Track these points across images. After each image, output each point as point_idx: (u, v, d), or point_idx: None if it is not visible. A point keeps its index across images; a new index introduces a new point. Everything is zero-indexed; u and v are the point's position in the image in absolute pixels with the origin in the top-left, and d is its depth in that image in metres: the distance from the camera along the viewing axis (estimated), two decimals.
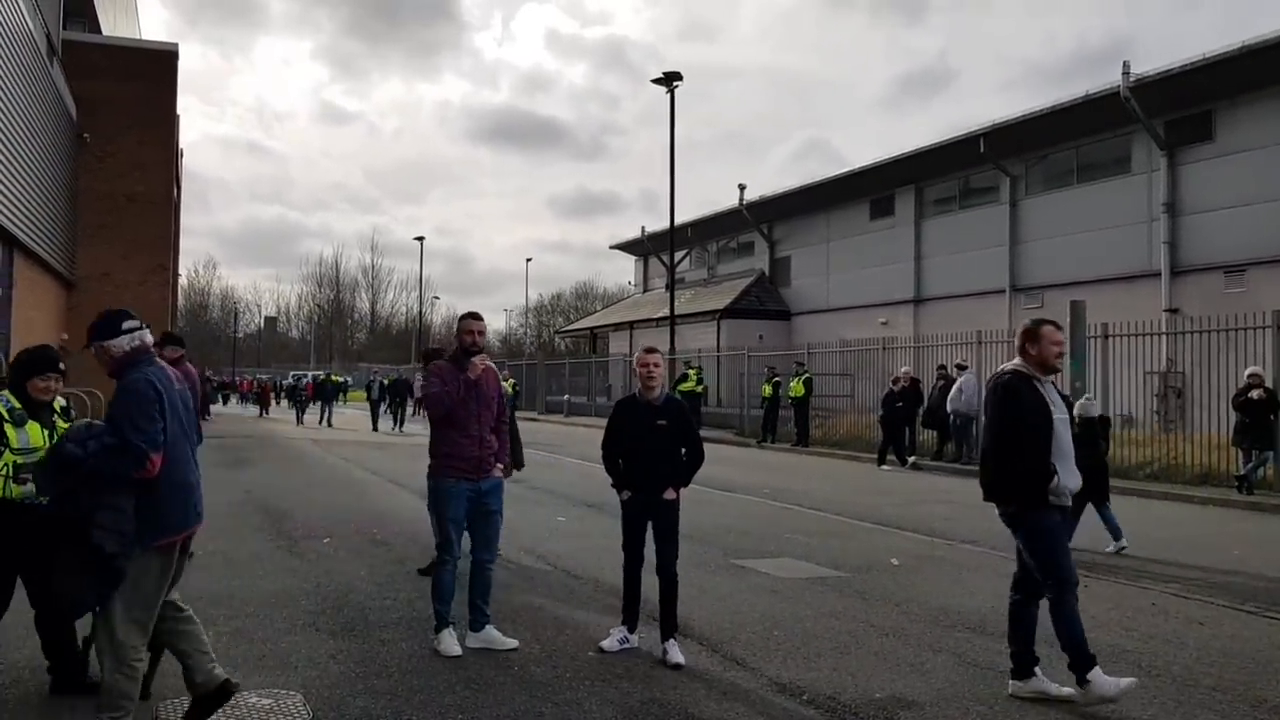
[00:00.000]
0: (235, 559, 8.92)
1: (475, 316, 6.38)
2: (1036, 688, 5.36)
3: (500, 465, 6.36)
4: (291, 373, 71.94)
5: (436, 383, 6.15)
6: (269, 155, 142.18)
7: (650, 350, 6.41)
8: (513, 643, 6.14)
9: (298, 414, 36.89)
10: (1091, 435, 9.97)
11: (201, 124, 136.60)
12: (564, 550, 9.65)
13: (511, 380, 36.28)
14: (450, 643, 5.95)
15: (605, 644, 6.14)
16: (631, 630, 6.20)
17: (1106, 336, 17.81)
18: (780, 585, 8.30)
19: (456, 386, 6.12)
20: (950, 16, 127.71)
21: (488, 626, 6.20)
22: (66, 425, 5.35)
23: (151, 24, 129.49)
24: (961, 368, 20.59)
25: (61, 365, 5.34)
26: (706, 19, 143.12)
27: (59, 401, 5.35)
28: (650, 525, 6.19)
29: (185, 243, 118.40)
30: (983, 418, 5.88)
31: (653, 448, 6.17)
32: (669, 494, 6.14)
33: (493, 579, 6.34)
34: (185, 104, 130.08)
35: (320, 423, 33.97)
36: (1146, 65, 23.98)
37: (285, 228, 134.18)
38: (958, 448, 20.51)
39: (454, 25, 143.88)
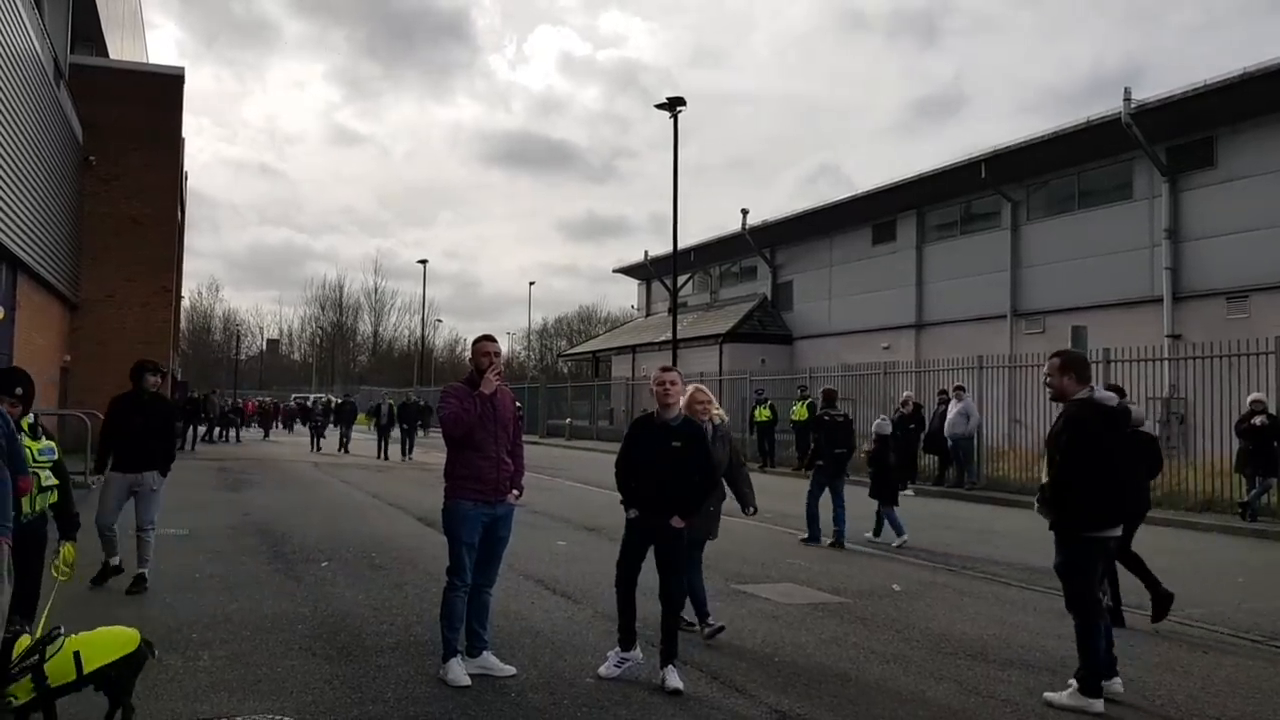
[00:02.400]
0: (232, 582, 8.87)
1: (490, 339, 6.36)
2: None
3: (515, 491, 6.29)
4: (294, 396, 71.95)
5: (454, 403, 6.09)
6: (279, 178, 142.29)
7: (667, 369, 6.35)
8: (510, 669, 6.08)
9: (314, 439, 33.75)
10: (884, 449, 13.29)
11: (213, 146, 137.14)
12: (563, 575, 9.59)
13: (518, 404, 35.31)
14: (459, 672, 5.86)
15: (603, 670, 6.08)
16: (626, 649, 6.12)
17: (1109, 362, 17.76)
18: (781, 611, 8.24)
19: (473, 405, 6.09)
20: (966, 40, 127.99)
21: (485, 652, 6.15)
22: (35, 443, 5.34)
23: (167, 45, 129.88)
24: (960, 390, 20.49)
25: (19, 390, 5.33)
26: (720, 43, 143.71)
27: (26, 420, 5.35)
28: (653, 550, 6.12)
29: (191, 265, 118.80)
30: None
31: (664, 469, 6.07)
32: (675, 522, 6.05)
33: (491, 604, 6.30)
34: (198, 126, 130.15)
35: (340, 449, 31.58)
36: (1162, 90, 23.91)
37: (292, 251, 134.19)
38: (959, 473, 20.45)
39: (468, 48, 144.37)
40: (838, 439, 12.85)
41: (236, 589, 8.55)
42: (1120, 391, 8.69)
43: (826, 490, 12.75)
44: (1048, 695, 5.78)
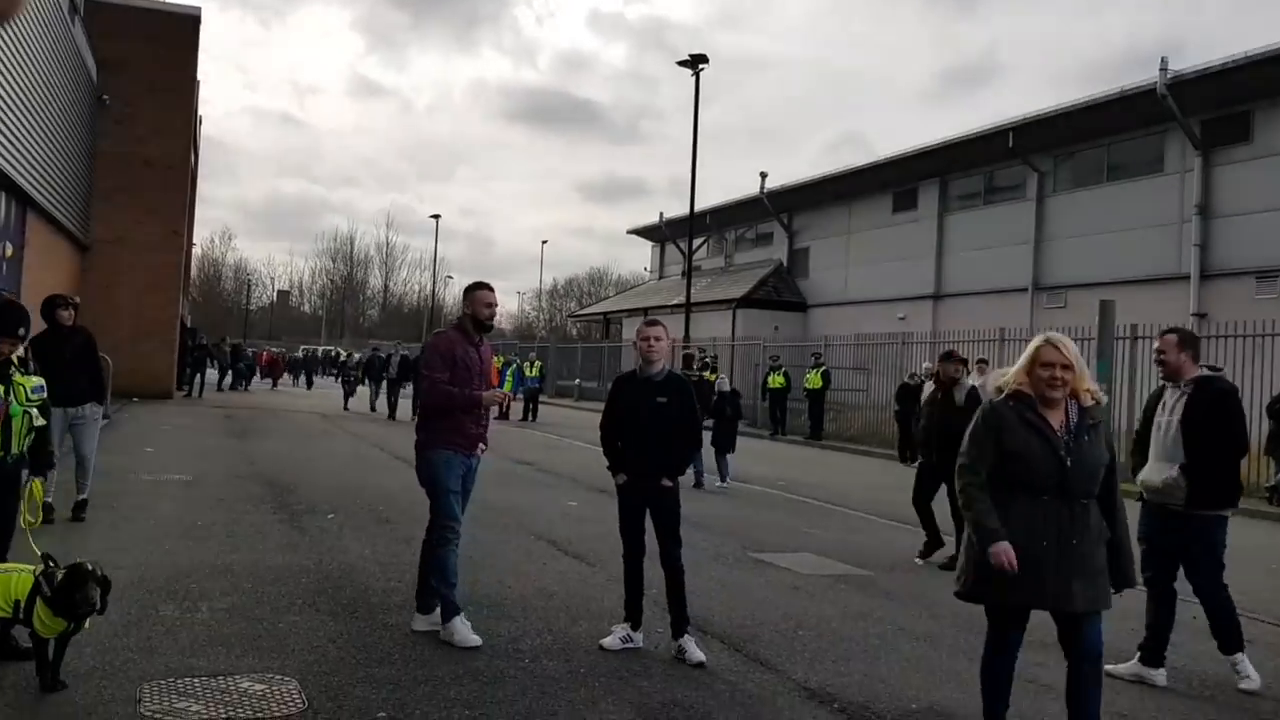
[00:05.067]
0: (236, 531, 8.60)
1: (490, 288, 6.08)
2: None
3: (483, 445, 6.12)
4: (302, 347, 71.72)
5: (441, 382, 5.82)
6: (300, 128, 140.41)
7: (652, 323, 5.99)
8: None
9: (345, 396, 29.80)
10: (721, 405, 14.85)
11: (235, 94, 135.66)
12: (576, 535, 9.31)
13: (539, 364, 33.84)
14: (465, 633, 5.60)
15: (606, 641, 5.77)
16: (635, 628, 5.82)
17: (1135, 338, 17.38)
18: (802, 582, 7.94)
19: (469, 364, 5.87)
20: (1003, 8, 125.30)
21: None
22: (27, 379, 5.03)
23: None
24: (983, 364, 20.05)
25: (21, 330, 5.03)
26: (752, 3, 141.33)
27: (17, 354, 5.04)
28: (649, 513, 5.84)
29: (207, 213, 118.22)
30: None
31: (651, 428, 5.77)
32: (666, 482, 5.79)
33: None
34: (220, 72, 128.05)
35: (372, 408, 27.83)
36: (1200, 62, 23.27)
37: (308, 202, 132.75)
38: None
39: (496, 1, 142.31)
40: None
41: (239, 539, 8.29)
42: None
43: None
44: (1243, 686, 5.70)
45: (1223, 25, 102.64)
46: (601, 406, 6.30)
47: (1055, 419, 4.21)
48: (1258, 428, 15.38)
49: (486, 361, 6.09)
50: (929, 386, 9.97)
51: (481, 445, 6.09)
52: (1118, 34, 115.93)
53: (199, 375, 30.80)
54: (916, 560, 9.20)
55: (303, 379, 49.24)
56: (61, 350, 8.54)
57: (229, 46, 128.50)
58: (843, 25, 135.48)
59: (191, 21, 28.64)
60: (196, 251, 65.60)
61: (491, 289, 6.07)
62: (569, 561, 8.19)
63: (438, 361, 5.86)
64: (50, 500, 8.29)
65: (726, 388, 15.62)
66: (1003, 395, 4.36)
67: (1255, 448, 15.43)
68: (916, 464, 9.76)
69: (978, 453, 4.26)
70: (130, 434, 16.83)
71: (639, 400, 5.86)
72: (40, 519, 5.23)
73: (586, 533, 9.47)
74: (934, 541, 9.36)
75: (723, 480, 14.27)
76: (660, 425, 5.78)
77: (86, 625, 4.57)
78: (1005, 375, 4.43)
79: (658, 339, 5.88)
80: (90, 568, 4.51)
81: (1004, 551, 4.00)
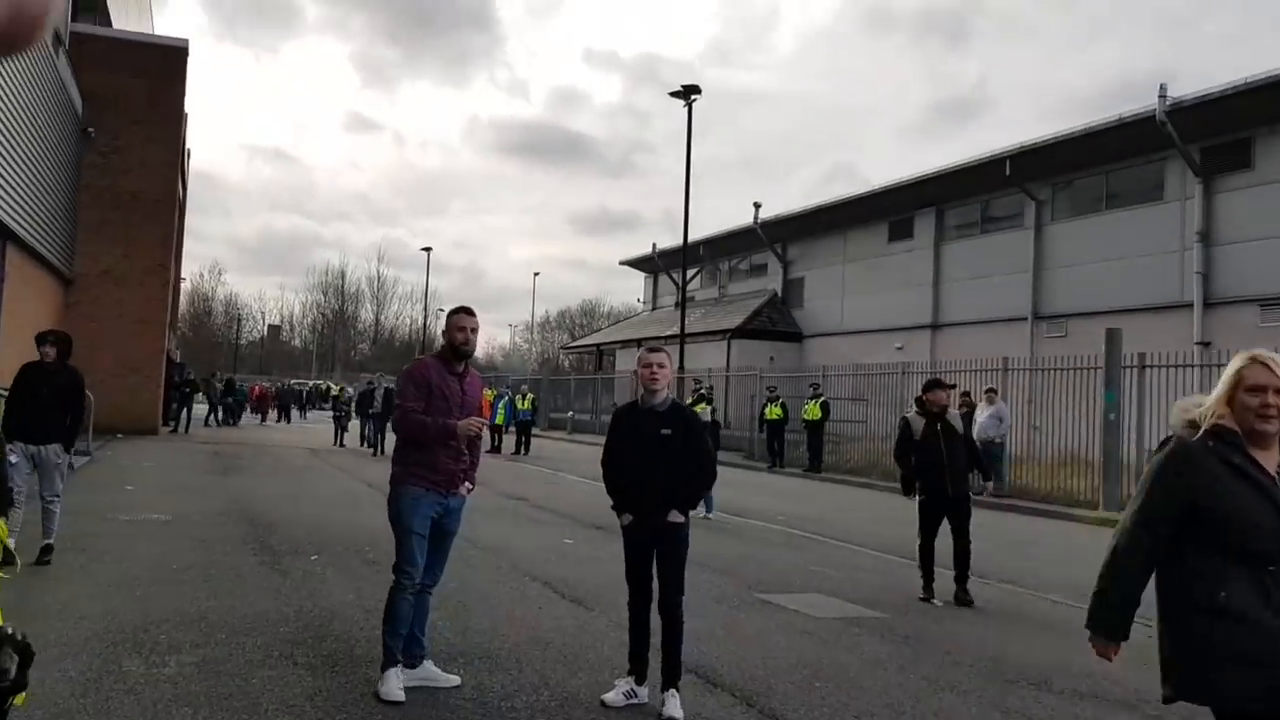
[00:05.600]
0: (213, 574, 8.11)
1: (469, 312, 5.63)
2: None
3: (467, 484, 5.64)
4: (292, 381, 71.08)
5: (414, 413, 5.38)
6: (293, 163, 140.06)
7: (655, 349, 5.60)
8: (454, 679, 5.42)
9: (338, 432, 28.84)
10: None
11: (228, 129, 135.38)
12: (573, 576, 8.83)
13: (531, 396, 33.20)
14: (393, 686, 5.13)
15: (608, 697, 5.30)
16: (640, 682, 5.36)
17: (1144, 367, 17.00)
18: (814, 626, 7.47)
19: (448, 393, 5.44)
20: (994, 43, 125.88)
21: (426, 661, 5.47)
22: None
23: (186, 24, 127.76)
24: (991, 393, 19.64)
25: None
26: (744, 39, 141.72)
27: None
28: (655, 556, 5.40)
29: (198, 247, 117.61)
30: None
31: (657, 461, 5.36)
32: (674, 516, 5.34)
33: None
34: (213, 107, 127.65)
35: (363, 444, 26.82)
36: (1199, 89, 23.09)
37: (300, 237, 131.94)
38: (985, 478, 19.62)
39: (490, 36, 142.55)
40: None
41: (216, 583, 7.80)
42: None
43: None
44: None
45: (1211, 58, 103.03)
46: (595, 439, 5.87)
47: (1269, 462, 3.06)
48: None
49: (472, 393, 5.63)
50: (916, 419, 9.42)
51: (467, 485, 5.63)
52: (1109, 68, 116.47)
53: (185, 411, 30.23)
54: (936, 602, 8.72)
55: (296, 413, 48.56)
56: (39, 386, 8.26)
57: (222, 82, 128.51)
58: (833, 60, 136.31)
59: (179, 54, 28.35)
60: (186, 286, 65.12)
61: (470, 313, 5.62)
62: (566, 605, 7.71)
63: (411, 390, 5.45)
64: (12, 543, 7.82)
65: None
66: (1199, 433, 3.13)
67: None
68: (918, 499, 9.24)
69: (1154, 506, 3.12)
70: (111, 471, 16.32)
71: (642, 432, 5.44)
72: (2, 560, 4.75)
73: (584, 573, 9.00)
74: (930, 580, 8.93)
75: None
76: (666, 458, 5.36)
77: (19, 703, 4.06)
78: (1201, 405, 3.21)
79: (660, 366, 5.48)
80: (10, 632, 4.00)
81: (1104, 649, 3.25)
